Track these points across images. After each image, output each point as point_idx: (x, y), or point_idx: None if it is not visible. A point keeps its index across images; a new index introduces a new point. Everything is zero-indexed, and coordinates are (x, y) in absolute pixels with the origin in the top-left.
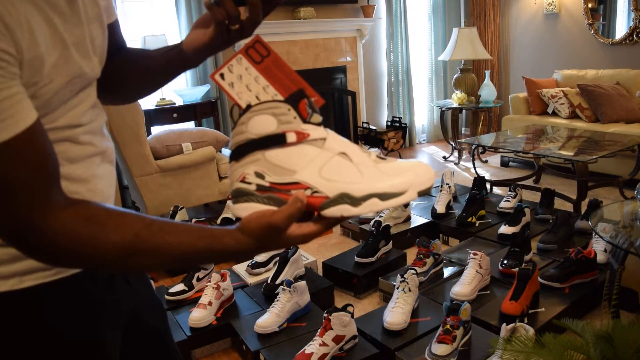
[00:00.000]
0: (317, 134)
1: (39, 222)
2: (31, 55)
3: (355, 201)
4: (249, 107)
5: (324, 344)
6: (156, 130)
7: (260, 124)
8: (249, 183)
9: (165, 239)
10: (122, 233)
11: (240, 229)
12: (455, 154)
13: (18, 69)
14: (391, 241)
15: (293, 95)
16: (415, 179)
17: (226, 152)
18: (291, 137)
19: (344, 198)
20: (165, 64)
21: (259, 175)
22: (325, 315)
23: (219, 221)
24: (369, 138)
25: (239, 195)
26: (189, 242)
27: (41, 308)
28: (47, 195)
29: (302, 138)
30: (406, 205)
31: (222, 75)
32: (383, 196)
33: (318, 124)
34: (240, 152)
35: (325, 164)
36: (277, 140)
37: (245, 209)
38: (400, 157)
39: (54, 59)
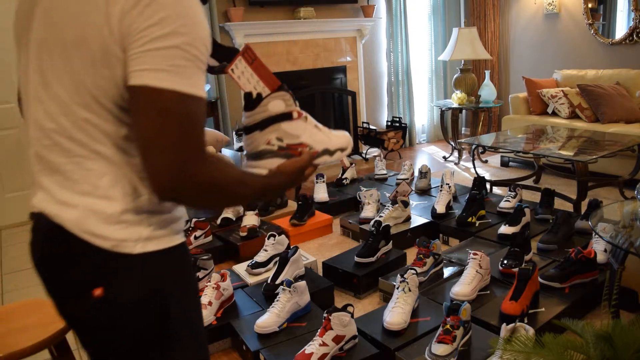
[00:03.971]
0: (304, 114)
1: (202, 164)
2: None
3: (331, 153)
4: (259, 95)
5: (324, 344)
6: None
7: (276, 106)
8: (272, 145)
9: (254, 175)
10: (236, 169)
11: (281, 171)
12: (455, 154)
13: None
14: (391, 241)
15: (282, 87)
16: (350, 140)
17: (226, 151)
18: (295, 115)
19: (325, 152)
20: None
21: (279, 139)
22: (325, 315)
23: (219, 221)
24: (369, 138)
25: (265, 154)
26: (265, 180)
27: (162, 267)
28: (204, 145)
29: (300, 116)
30: (406, 205)
31: (232, 70)
32: (342, 150)
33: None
34: (265, 124)
35: (311, 131)
36: (286, 116)
37: (272, 163)
38: (400, 157)
39: None
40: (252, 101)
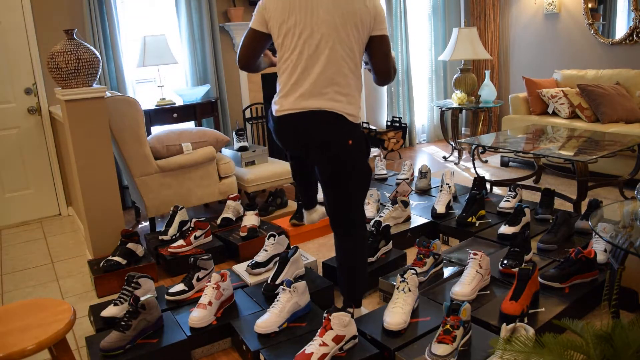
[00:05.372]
0: None
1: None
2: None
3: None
4: None
5: (324, 344)
6: (156, 130)
7: None
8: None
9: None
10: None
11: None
12: (455, 154)
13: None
14: (391, 241)
15: None
16: None
17: (226, 151)
18: None
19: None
20: None
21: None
22: (325, 315)
23: (219, 221)
24: (369, 138)
25: None
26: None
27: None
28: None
29: None
30: (406, 205)
31: None
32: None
33: None
34: None
35: None
36: None
37: None
38: (400, 158)
39: None
40: None
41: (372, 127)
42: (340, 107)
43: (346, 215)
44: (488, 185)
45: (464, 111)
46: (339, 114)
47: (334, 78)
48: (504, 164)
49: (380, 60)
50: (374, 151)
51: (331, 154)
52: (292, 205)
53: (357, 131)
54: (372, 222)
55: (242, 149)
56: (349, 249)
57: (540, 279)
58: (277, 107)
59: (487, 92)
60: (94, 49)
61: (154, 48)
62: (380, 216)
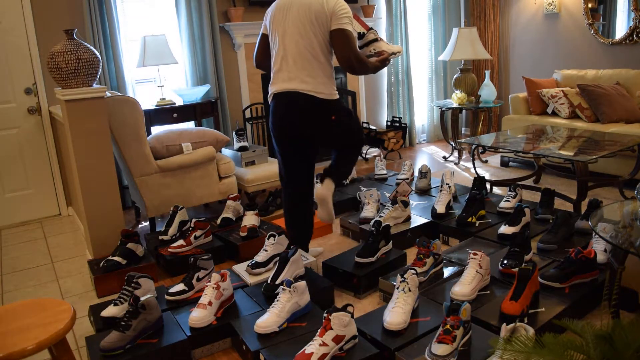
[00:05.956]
0: (380, 37)
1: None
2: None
3: (394, 53)
4: (363, 34)
5: (324, 344)
6: (156, 130)
7: (373, 35)
8: (371, 52)
9: (372, 62)
10: (369, 60)
11: (379, 62)
12: (455, 154)
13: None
14: (391, 241)
15: (371, 28)
16: (401, 48)
17: (226, 151)
18: (378, 39)
19: (392, 53)
20: None
21: (374, 49)
22: (325, 315)
23: (219, 221)
24: (369, 138)
25: (369, 56)
26: (375, 63)
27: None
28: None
29: (380, 39)
30: (406, 205)
31: (353, 27)
32: (398, 52)
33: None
34: (368, 44)
35: (385, 45)
36: (375, 40)
37: (381, 46)
38: (400, 158)
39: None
40: (360, 35)
41: (372, 127)
42: (309, 88)
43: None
44: (488, 185)
45: (464, 111)
46: (308, 94)
47: (302, 64)
48: (504, 164)
49: (338, 49)
50: (374, 151)
51: (317, 123)
52: None
53: (333, 104)
54: (372, 222)
55: (242, 149)
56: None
57: (540, 279)
58: (270, 91)
59: (487, 92)
60: (94, 49)
61: (154, 48)
62: (380, 216)
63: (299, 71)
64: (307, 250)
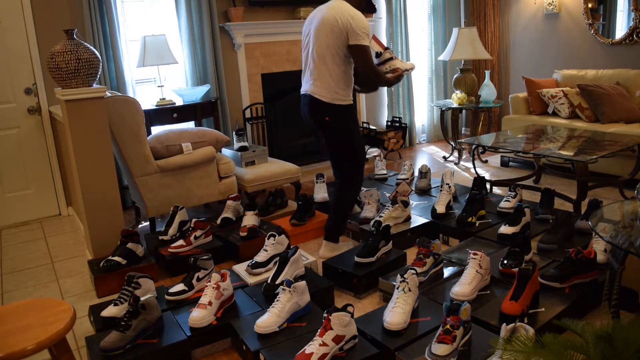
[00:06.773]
0: (394, 56)
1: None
2: None
3: (407, 70)
4: (380, 53)
5: (324, 344)
6: (156, 130)
7: (389, 54)
8: (387, 70)
9: (386, 77)
10: (383, 74)
11: (393, 78)
12: (455, 154)
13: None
14: (391, 241)
15: (387, 48)
16: (414, 64)
17: (226, 151)
18: (393, 57)
19: (405, 70)
20: None
21: (389, 66)
22: (325, 315)
23: (219, 221)
24: (369, 138)
25: (385, 72)
26: (389, 78)
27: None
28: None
29: (395, 57)
30: (406, 205)
31: (370, 42)
32: (412, 68)
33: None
34: (384, 62)
35: (400, 63)
36: (390, 59)
37: (396, 64)
38: (400, 158)
39: None
40: (377, 54)
41: (372, 127)
42: (315, 91)
43: (334, 166)
44: (488, 185)
45: (464, 111)
46: (313, 96)
47: (314, 71)
48: (504, 164)
49: (356, 62)
50: (374, 151)
51: (317, 121)
52: (292, 205)
53: (330, 107)
54: (372, 222)
55: (242, 149)
56: (333, 191)
57: (540, 279)
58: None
59: (487, 92)
60: (94, 49)
61: (154, 48)
62: (380, 216)
63: (312, 77)
64: (337, 241)
